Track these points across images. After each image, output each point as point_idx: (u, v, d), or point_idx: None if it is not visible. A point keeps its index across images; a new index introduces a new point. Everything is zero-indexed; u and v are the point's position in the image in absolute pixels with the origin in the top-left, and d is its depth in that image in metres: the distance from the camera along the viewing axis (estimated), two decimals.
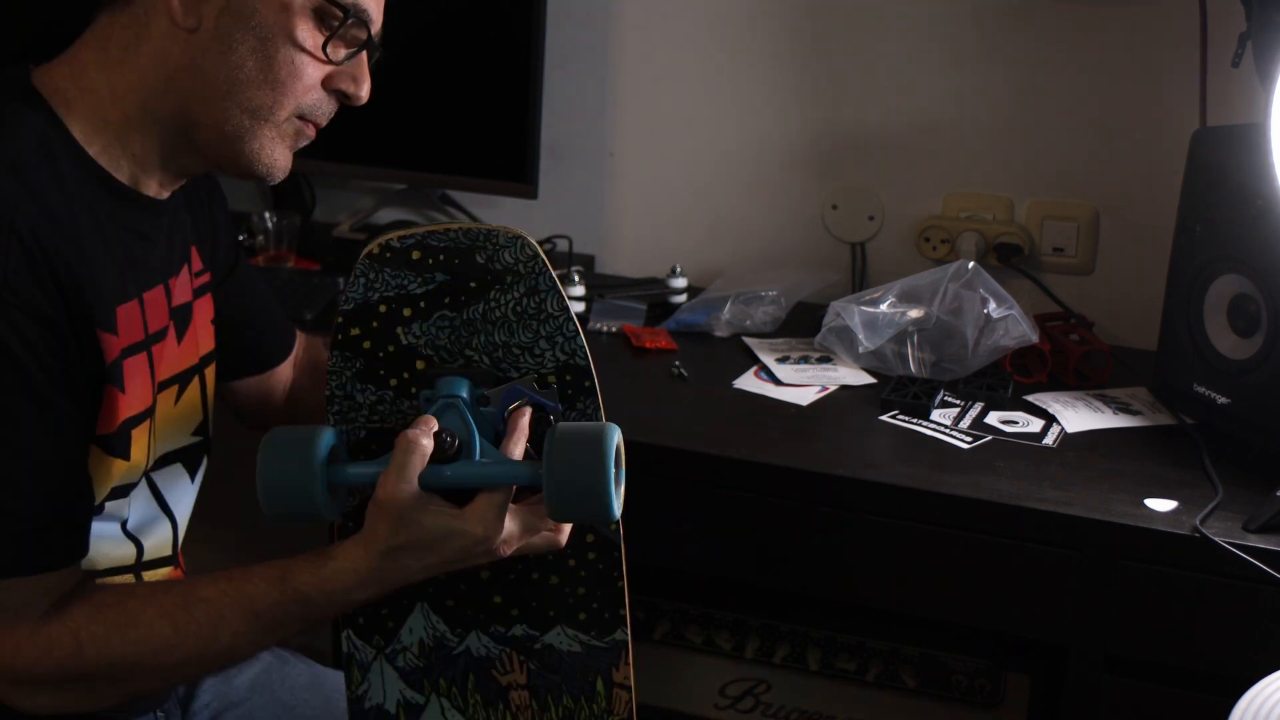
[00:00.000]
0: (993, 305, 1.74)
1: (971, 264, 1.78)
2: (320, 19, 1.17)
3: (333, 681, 1.50)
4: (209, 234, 1.36)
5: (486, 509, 1.12)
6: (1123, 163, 1.95)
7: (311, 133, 1.22)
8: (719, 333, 1.97)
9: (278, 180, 1.22)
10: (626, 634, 1.27)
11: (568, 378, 1.20)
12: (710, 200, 2.18)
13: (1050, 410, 1.70)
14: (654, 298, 2.07)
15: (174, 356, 1.28)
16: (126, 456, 1.20)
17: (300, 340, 1.53)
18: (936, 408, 1.70)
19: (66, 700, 1.14)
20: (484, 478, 1.13)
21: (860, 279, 2.11)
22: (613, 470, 1.11)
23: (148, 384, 1.22)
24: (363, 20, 1.20)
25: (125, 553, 1.27)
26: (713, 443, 1.59)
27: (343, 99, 1.22)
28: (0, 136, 1.12)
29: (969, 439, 1.62)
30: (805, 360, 1.85)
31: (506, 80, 2.09)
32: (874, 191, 2.09)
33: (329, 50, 1.19)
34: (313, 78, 1.18)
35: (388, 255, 1.17)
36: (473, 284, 1.18)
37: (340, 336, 1.19)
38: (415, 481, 1.11)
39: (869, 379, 1.79)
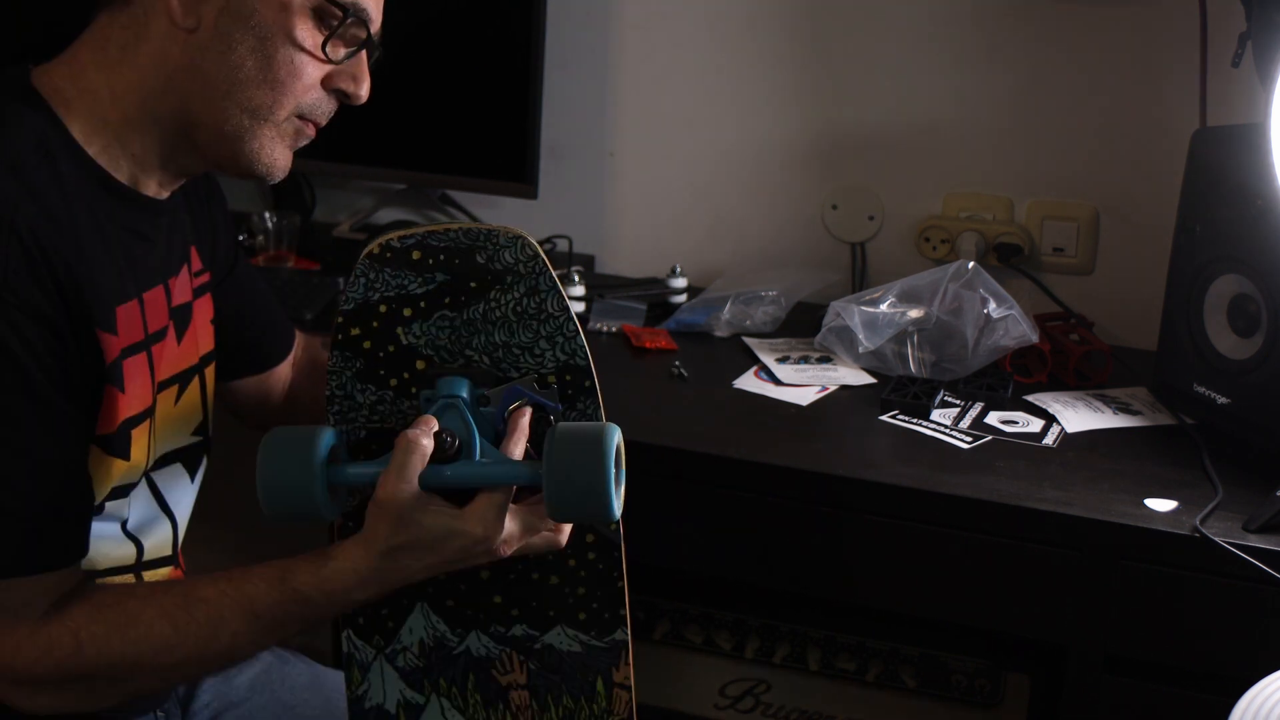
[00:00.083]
0: (993, 305, 1.74)
1: (971, 264, 1.78)
2: (319, 18, 1.17)
3: (333, 681, 1.50)
4: (208, 234, 1.36)
5: (486, 509, 1.12)
6: (1123, 163, 1.95)
7: (311, 132, 1.22)
8: (719, 333, 1.97)
9: (277, 180, 1.22)
10: (626, 634, 1.27)
11: (568, 378, 1.20)
12: (710, 200, 2.18)
13: (1050, 410, 1.70)
14: (654, 298, 2.07)
15: (174, 356, 1.28)
16: (126, 456, 1.20)
17: (299, 340, 1.53)
18: (936, 408, 1.70)
19: (66, 700, 1.14)
20: (484, 478, 1.13)
21: (860, 279, 2.11)
22: (613, 470, 1.10)
23: (147, 384, 1.22)
24: (362, 19, 1.20)
25: (125, 553, 1.27)
26: (713, 443, 1.59)
27: (342, 98, 1.22)
28: (0, 136, 1.12)
29: (969, 439, 1.62)
30: (805, 360, 1.85)
31: (506, 80, 2.09)
32: (874, 191, 2.09)
33: (328, 49, 1.18)
34: (312, 77, 1.18)
35: (388, 255, 1.17)
36: (473, 284, 1.18)
37: (340, 336, 1.19)
38: (415, 481, 1.11)
39: (869, 379, 1.79)
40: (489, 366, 1.19)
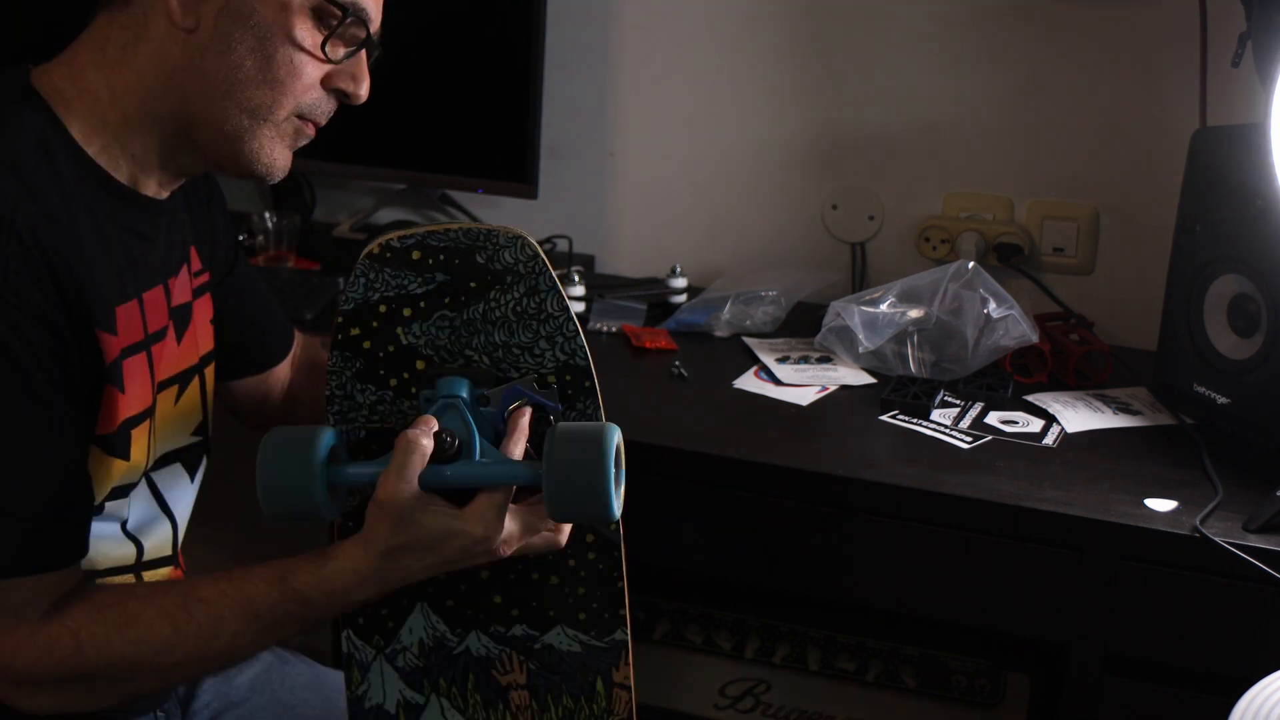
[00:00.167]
0: (993, 305, 1.74)
1: (971, 264, 1.78)
2: (319, 18, 1.17)
3: (333, 681, 1.50)
4: (208, 234, 1.36)
5: (486, 509, 1.12)
6: (1123, 163, 1.95)
7: (311, 132, 1.22)
8: (719, 333, 1.97)
9: (277, 180, 1.22)
10: (626, 634, 1.27)
11: (568, 378, 1.20)
12: (710, 200, 2.18)
13: (1050, 410, 1.70)
14: (654, 298, 2.07)
15: (174, 356, 1.28)
16: (126, 456, 1.20)
17: (298, 340, 1.53)
18: (936, 408, 1.70)
19: (66, 700, 1.14)
20: (484, 478, 1.13)
21: (860, 279, 2.11)
22: (612, 470, 1.10)
23: (147, 384, 1.22)
24: (361, 19, 1.19)
25: (125, 553, 1.27)
26: (713, 443, 1.59)
27: (342, 98, 1.22)
28: (0, 137, 1.12)
29: (969, 439, 1.62)
30: (805, 360, 1.85)
31: (506, 80, 2.09)
32: (874, 191, 2.09)
33: (328, 49, 1.18)
34: (312, 77, 1.18)
35: (388, 255, 1.17)
36: (473, 284, 1.18)
37: (340, 336, 1.19)
38: (415, 481, 1.11)
39: (869, 379, 1.79)
40: (489, 366, 1.19)
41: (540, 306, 1.18)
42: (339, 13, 1.17)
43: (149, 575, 1.30)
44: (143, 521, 1.28)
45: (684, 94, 2.15)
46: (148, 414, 1.23)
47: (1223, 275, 1.58)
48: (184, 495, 1.34)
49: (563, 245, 2.19)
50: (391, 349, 1.19)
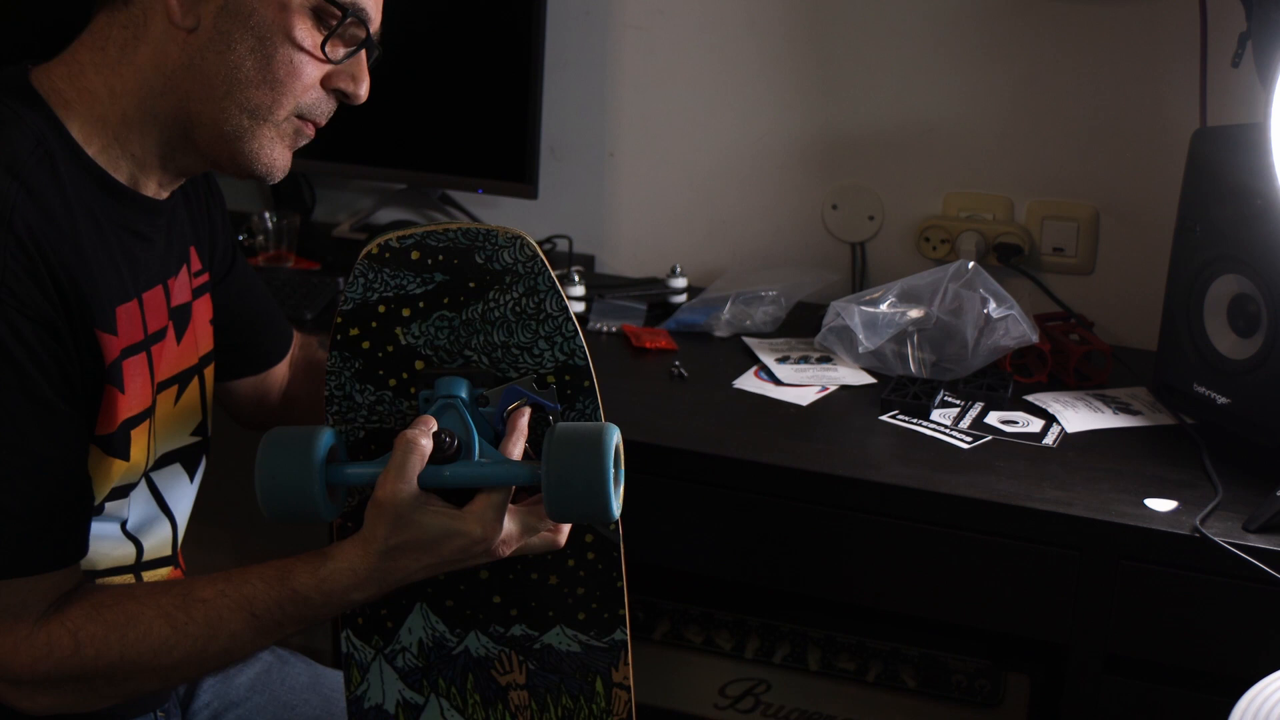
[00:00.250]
0: (993, 305, 1.74)
1: (971, 264, 1.78)
2: (319, 18, 1.17)
3: (332, 681, 1.50)
4: (207, 234, 1.36)
5: (485, 509, 1.12)
6: (1123, 163, 1.95)
7: (310, 132, 1.22)
8: (719, 333, 1.96)
9: (277, 180, 1.22)
10: (626, 634, 1.27)
11: (567, 378, 1.20)
12: (710, 200, 2.18)
13: (1050, 410, 1.70)
14: (654, 298, 2.07)
15: (173, 357, 1.28)
16: (126, 457, 1.20)
17: (296, 340, 1.53)
18: (936, 408, 1.70)
19: (65, 701, 1.14)
20: (483, 478, 1.13)
21: (860, 279, 2.11)
22: (611, 470, 1.10)
23: (147, 384, 1.22)
24: (361, 19, 1.19)
25: (125, 553, 1.27)
26: (713, 443, 1.59)
27: (342, 98, 1.22)
28: None
29: (969, 439, 1.62)
30: (805, 360, 1.85)
31: (506, 80, 2.09)
32: (874, 191, 2.09)
33: (327, 49, 1.18)
34: (311, 77, 1.18)
35: (387, 255, 1.17)
36: (472, 284, 1.18)
37: (339, 337, 1.19)
38: (414, 481, 1.11)
39: (869, 379, 1.79)
40: (488, 366, 1.19)
41: (539, 306, 1.18)
42: (339, 13, 1.17)
43: (149, 575, 1.30)
44: (142, 521, 1.28)
45: (684, 94, 2.15)
46: (147, 414, 1.23)
47: (1223, 275, 1.58)
48: (183, 495, 1.34)
49: (563, 245, 2.19)
50: (390, 349, 1.19)
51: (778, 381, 1.79)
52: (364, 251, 1.18)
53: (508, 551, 1.16)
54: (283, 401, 1.50)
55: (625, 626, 1.26)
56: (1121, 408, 1.72)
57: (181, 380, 1.30)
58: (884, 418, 1.68)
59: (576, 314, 1.72)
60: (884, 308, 1.79)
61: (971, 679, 1.68)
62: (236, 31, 1.14)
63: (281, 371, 1.50)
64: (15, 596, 1.10)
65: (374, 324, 1.19)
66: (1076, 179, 1.99)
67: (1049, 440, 1.63)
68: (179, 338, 1.29)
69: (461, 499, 1.13)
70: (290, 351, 1.51)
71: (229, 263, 1.42)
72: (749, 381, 1.79)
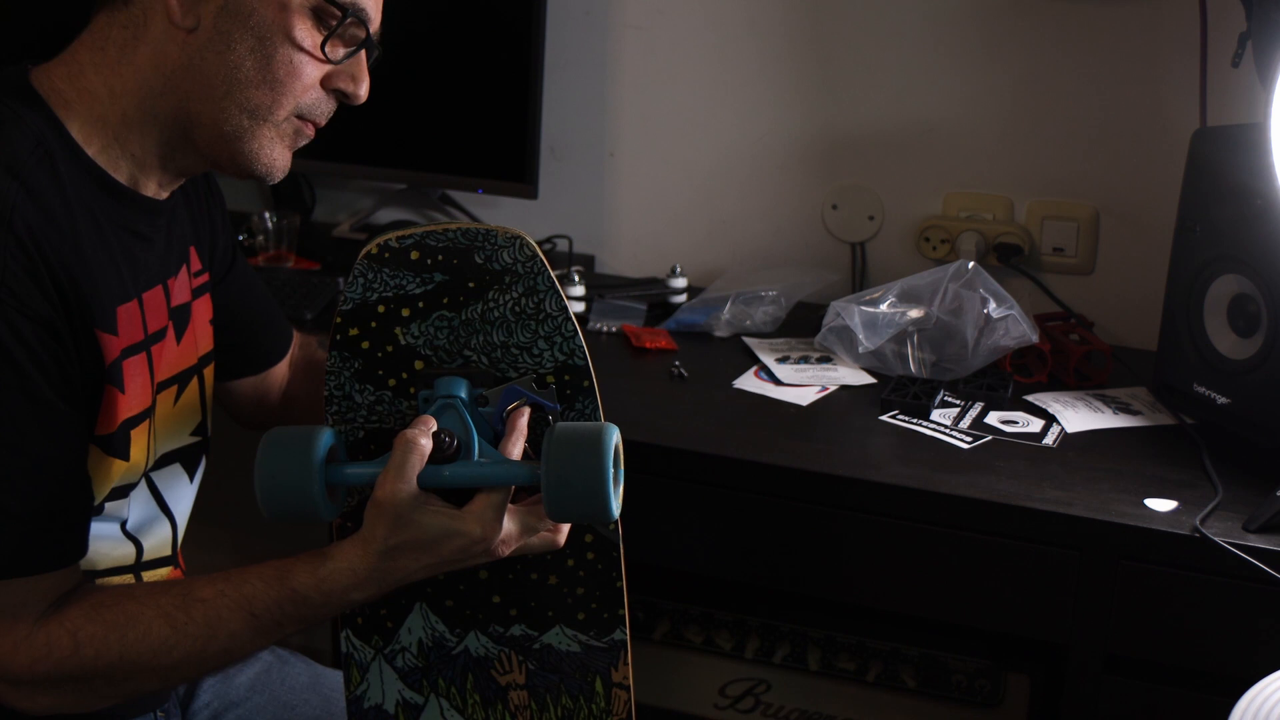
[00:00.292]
0: (993, 305, 1.74)
1: (971, 264, 1.78)
2: (318, 18, 1.17)
3: (332, 681, 1.50)
4: (207, 234, 1.36)
5: (485, 509, 1.12)
6: (1123, 163, 1.95)
7: (310, 132, 1.22)
8: (719, 333, 1.96)
9: (277, 180, 1.22)
10: (625, 634, 1.27)
11: (566, 378, 1.20)
12: (710, 200, 2.18)
13: (1050, 410, 1.70)
14: (654, 298, 2.07)
15: (173, 357, 1.28)
16: (126, 457, 1.20)
17: (296, 339, 1.53)
18: (936, 408, 1.70)
19: (65, 701, 1.14)
20: (482, 478, 1.13)
21: (860, 279, 2.11)
22: (611, 470, 1.10)
23: (147, 384, 1.22)
24: (361, 19, 1.19)
25: (125, 553, 1.27)
26: (713, 443, 1.59)
27: (342, 98, 1.22)
28: None
29: (969, 439, 1.62)
30: (805, 360, 1.85)
31: (506, 80, 2.09)
32: (874, 191, 2.09)
33: (327, 49, 1.18)
34: (311, 77, 1.18)
35: (386, 255, 1.17)
36: (471, 284, 1.18)
37: (339, 337, 1.19)
38: (414, 481, 1.11)
39: (869, 379, 1.79)
40: (487, 366, 1.19)
41: (539, 306, 1.18)
42: (338, 13, 1.17)
43: (148, 575, 1.30)
44: (142, 522, 1.28)
45: (684, 94, 2.15)
46: (147, 414, 1.23)
47: (1223, 275, 1.58)
48: (183, 495, 1.34)
49: (563, 245, 2.20)
50: (390, 349, 1.19)
51: (778, 381, 1.79)
52: (364, 251, 1.18)
53: (507, 551, 1.16)
54: (283, 401, 1.50)
55: (625, 626, 1.26)
56: (1121, 408, 1.72)
57: (181, 380, 1.30)
58: (884, 418, 1.68)
59: (576, 314, 1.72)
60: (884, 308, 1.79)
61: (971, 679, 1.68)
62: (236, 31, 1.14)
63: (281, 371, 1.50)
64: (14, 596, 1.10)
65: (373, 324, 1.19)
66: (1076, 179, 1.99)
67: (1049, 440, 1.63)
68: (179, 338, 1.29)
69: (461, 499, 1.13)
70: (290, 351, 1.51)
71: (229, 262, 1.42)
72: (749, 381, 1.79)
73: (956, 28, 1.98)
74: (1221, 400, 1.58)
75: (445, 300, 1.18)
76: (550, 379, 1.20)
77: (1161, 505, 1.46)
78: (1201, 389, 1.61)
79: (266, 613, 1.13)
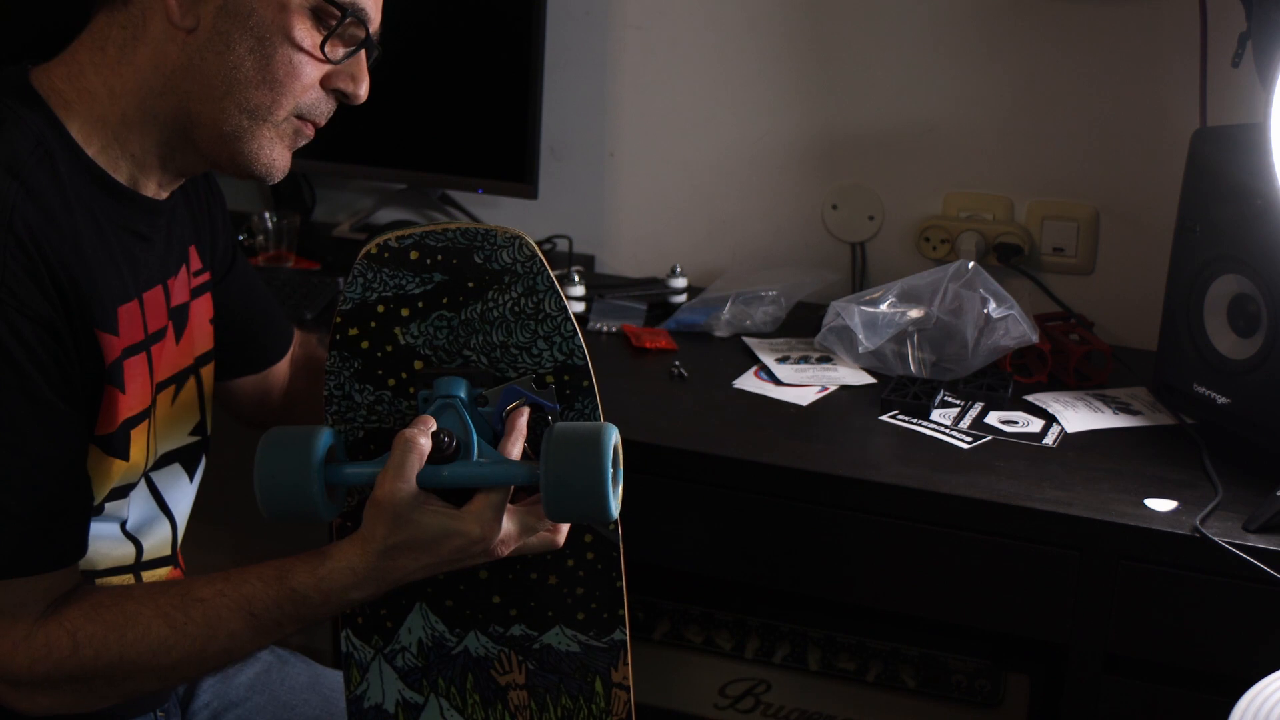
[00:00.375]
0: (993, 305, 1.74)
1: (971, 264, 1.78)
2: (318, 18, 1.17)
3: (332, 681, 1.50)
4: (207, 233, 1.36)
5: (484, 509, 1.12)
6: (1123, 163, 1.95)
7: (310, 132, 1.22)
8: (719, 333, 1.96)
9: (276, 180, 1.22)
10: (625, 634, 1.27)
11: (566, 378, 1.20)
12: (710, 200, 2.18)
13: (1050, 410, 1.70)
14: (654, 298, 2.07)
15: (172, 357, 1.28)
16: (126, 457, 1.20)
17: (296, 337, 1.53)
18: (936, 408, 1.70)
19: (64, 701, 1.14)
20: (481, 478, 1.13)
21: (860, 279, 2.11)
22: (610, 471, 1.10)
23: (147, 384, 1.22)
24: (361, 19, 1.19)
25: (125, 553, 1.27)
26: (713, 443, 1.59)
27: (341, 98, 1.22)
28: None
29: (969, 439, 1.62)
30: (805, 360, 1.85)
31: (506, 80, 2.09)
32: (874, 191, 2.09)
33: (327, 49, 1.18)
34: (311, 77, 1.18)
35: (386, 255, 1.17)
36: (470, 284, 1.18)
37: (338, 336, 1.19)
38: (413, 481, 1.11)
39: (869, 379, 1.79)
40: (487, 366, 1.19)
41: (538, 306, 1.18)
42: (338, 13, 1.17)
43: (148, 575, 1.30)
44: (142, 521, 1.29)
45: (684, 94, 2.15)
46: (147, 414, 1.23)
47: (1223, 275, 1.58)
48: (183, 495, 1.34)
49: (563, 245, 2.19)
50: (389, 349, 1.19)
51: (778, 381, 1.79)
52: (363, 251, 1.18)
53: (506, 551, 1.16)
54: (284, 400, 1.50)
55: (625, 627, 1.26)
56: (1121, 408, 1.72)
57: (178, 380, 1.30)
58: (884, 418, 1.68)
59: (576, 314, 1.72)
60: (884, 308, 1.79)
61: (971, 679, 1.68)
62: (235, 32, 1.14)
63: (282, 370, 1.50)
64: (14, 597, 1.10)
65: (373, 324, 1.19)
66: (1076, 179, 1.99)
67: (1049, 440, 1.63)
68: (178, 338, 1.29)
69: (460, 499, 1.13)
70: (291, 349, 1.51)
71: (229, 262, 1.42)
72: (749, 381, 1.79)
73: (956, 28, 1.98)
74: (1221, 400, 1.58)
75: (445, 300, 1.18)
76: (550, 379, 1.20)
77: (1161, 505, 1.46)
78: (1201, 389, 1.61)
79: (266, 612, 1.13)
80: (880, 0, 2.01)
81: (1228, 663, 1.42)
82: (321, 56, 1.18)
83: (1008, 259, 2.00)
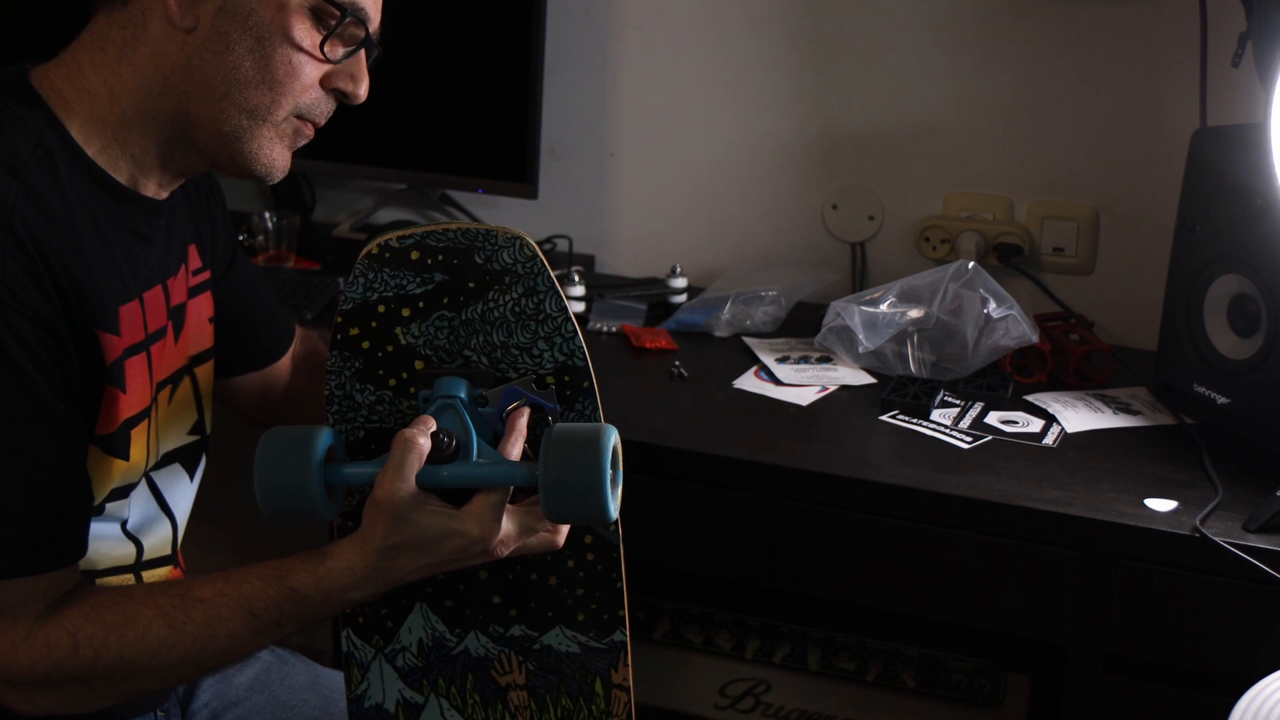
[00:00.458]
0: (993, 305, 1.74)
1: (971, 264, 1.78)
2: (317, 18, 1.17)
3: (332, 681, 1.50)
4: (208, 232, 1.36)
5: (483, 509, 1.12)
6: (1123, 163, 1.95)
7: (310, 132, 1.22)
8: (719, 333, 1.96)
9: (276, 180, 1.22)
10: (625, 635, 1.27)
11: (566, 378, 1.20)
12: (710, 200, 2.18)
13: (1050, 410, 1.70)
14: (654, 298, 2.07)
15: (171, 356, 1.28)
16: (126, 457, 1.20)
17: (298, 335, 1.53)
18: (936, 408, 1.70)
19: (64, 701, 1.14)
20: (481, 478, 1.13)
21: (860, 279, 2.11)
22: (609, 471, 1.10)
23: (147, 384, 1.22)
24: (360, 19, 1.19)
25: (125, 552, 1.27)
26: (713, 443, 1.59)
27: (341, 98, 1.22)
28: None
29: (969, 439, 1.62)
30: (805, 360, 1.85)
31: (506, 80, 2.09)
32: (874, 191, 2.09)
33: (326, 49, 1.18)
34: (310, 77, 1.18)
35: (386, 255, 1.17)
36: (471, 284, 1.18)
37: (339, 336, 1.19)
38: (412, 481, 1.11)
39: (869, 379, 1.79)
40: (487, 367, 1.19)
41: (539, 307, 1.18)
42: (337, 12, 1.17)
43: (149, 575, 1.30)
44: (142, 521, 1.29)
45: (684, 94, 2.15)
46: (147, 414, 1.23)
47: (1223, 275, 1.58)
48: (183, 495, 1.34)
49: (563, 245, 2.19)
50: (390, 349, 1.19)
51: (778, 381, 1.79)
52: (364, 251, 1.18)
53: (506, 552, 1.15)
54: (286, 397, 1.50)
55: (625, 627, 1.26)
56: (1121, 408, 1.72)
57: (174, 380, 1.30)
58: (884, 418, 1.68)
59: (576, 314, 1.72)
60: (884, 308, 1.79)
61: (971, 679, 1.68)
62: (235, 32, 1.14)
63: (284, 367, 1.50)
64: (13, 597, 1.10)
65: (374, 324, 1.19)
66: (1076, 179, 1.99)
67: (1049, 440, 1.63)
68: (176, 337, 1.29)
69: (460, 499, 1.13)
70: (292, 346, 1.51)
71: (229, 260, 1.42)
72: (749, 381, 1.79)
73: (956, 28, 1.98)
74: (1221, 400, 1.58)
75: (445, 300, 1.18)
76: (550, 379, 1.20)
77: (1161, 505, 1.46)
78: (1201, 389, 1.61)
79: (266, 612, 1.13)
80: (880, 0, 2.01)
81: (1228, 663, 1.42)
82: (321, 56, 1.18)
83: (1008, 259, 2.01)
